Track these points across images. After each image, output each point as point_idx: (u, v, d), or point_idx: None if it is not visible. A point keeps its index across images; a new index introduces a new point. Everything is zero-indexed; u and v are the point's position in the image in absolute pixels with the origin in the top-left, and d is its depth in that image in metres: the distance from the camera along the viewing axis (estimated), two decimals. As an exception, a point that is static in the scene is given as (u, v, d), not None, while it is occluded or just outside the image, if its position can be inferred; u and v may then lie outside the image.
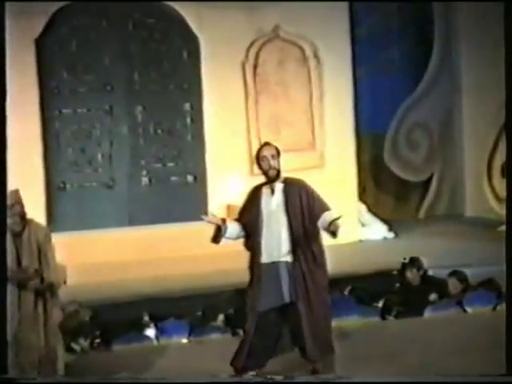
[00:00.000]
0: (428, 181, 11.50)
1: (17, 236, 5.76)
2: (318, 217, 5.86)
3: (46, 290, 5.78)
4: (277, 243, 5.84)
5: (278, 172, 5.93)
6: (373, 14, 10.93)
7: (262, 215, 5.85)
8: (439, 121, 11.43)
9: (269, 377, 5.74)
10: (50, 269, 5.79)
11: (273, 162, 5.89)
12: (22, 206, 5.76)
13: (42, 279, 5.78)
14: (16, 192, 5.77)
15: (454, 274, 7.98)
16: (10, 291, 5.66)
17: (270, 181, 5.93)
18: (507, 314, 5.49)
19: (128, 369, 6.42)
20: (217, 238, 5.88)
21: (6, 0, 5.74)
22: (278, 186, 5.92)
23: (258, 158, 5.94)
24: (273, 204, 5.89)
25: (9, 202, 5.62)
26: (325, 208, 5.91)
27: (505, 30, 5.79)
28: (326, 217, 5.84)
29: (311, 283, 5.86)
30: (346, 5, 10.26)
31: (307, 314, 5.85)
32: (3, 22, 5.69)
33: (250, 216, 5.89)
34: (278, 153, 5.96)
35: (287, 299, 5.86)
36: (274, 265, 5.85)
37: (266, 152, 5.92)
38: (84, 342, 6.96)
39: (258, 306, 5.82)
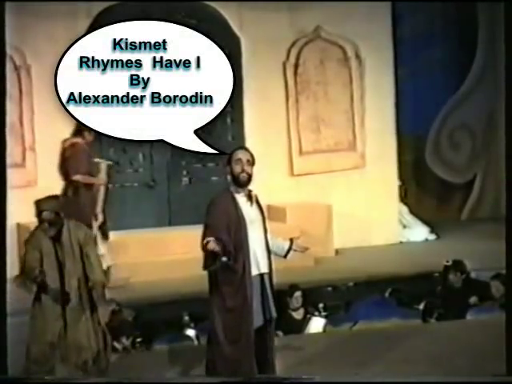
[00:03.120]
0: (471, 182, 11.39)
1: (55, 240, 5.82)
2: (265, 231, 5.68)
3: (92, 290, 5.82)
4: (261, 255, 5.60)
5: (250, 178, 5.60)
6: (416, 13, 10.84)
7: (247, 226, 5.56)
8: (482, 121, 11.31)
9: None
10: (93, 268, 5.84)
11: (247, 167, 5.58)
12: (51, 212, 5.79)
13: (87, 279, 5.82)
14: (43, 200, 5.84)
15: (498, 276, 7.89)
16: (53, 294, 5.74)
17: (240, 186, 5.59)
18: (507, 314, 5.43)
19: (168, 368, 6.45)
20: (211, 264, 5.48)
21: (6, 0, 5.78)
22: (253, 195, 5.65)
23: (231, 161, 5.61)
24: (253, 213, 5.62)
25: (36, 210, 5.76)
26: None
27: (505, 29, 5.73)
28: (272, 235, 5.70)
29: None
30: (388, 5, 10.20)
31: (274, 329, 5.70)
32: (3, 22, 5.72)
33: (232, 225, 5.54)
34: (253, 161, 5.65)
35: (274, 314, 5.62)
36: (261, 277, 5.61)
37: (242, 155, 5.60)
38: (126, 341, 7.00)
39: (253, 322, 5.53)
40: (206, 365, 5.70)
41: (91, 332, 5.83)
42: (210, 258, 5.46)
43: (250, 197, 5.64)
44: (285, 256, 5.75)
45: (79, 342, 5.81)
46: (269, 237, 5.71)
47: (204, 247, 5.48)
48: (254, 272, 5.58)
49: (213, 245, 5.39)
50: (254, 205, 5.65)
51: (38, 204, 5.84)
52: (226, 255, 5.43)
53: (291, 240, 5.74)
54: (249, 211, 5.62)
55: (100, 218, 8.09)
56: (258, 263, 5.60)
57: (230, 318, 5.55)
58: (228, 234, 5.49)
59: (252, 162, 5.64)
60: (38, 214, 5.82)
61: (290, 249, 5.72)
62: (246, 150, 5.74)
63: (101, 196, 8.09)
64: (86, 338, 5.82)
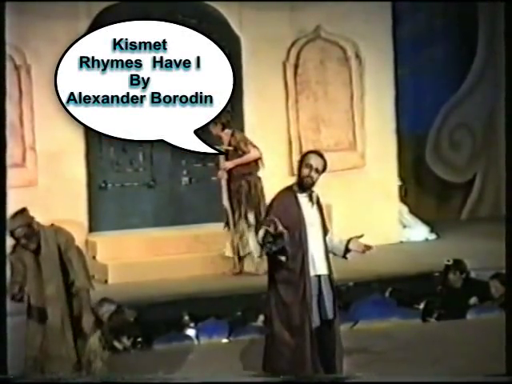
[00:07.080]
0: (471, 181, 11.39)
1: (37, 252, 5.73)
2: (325, 233, 5.76)
3: (75, 296, 5.76)
4: (318, 256, 5.67)
5: (313, 184, 5.71)
6: (416, 13, 10.85)
7: (306, 227, 5.65)
8: (483, 121, 11.31)
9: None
10: (76, 274, 5.74)
11: (313, 174, 5.67)
12: (23, 228, 5.68)
13: (70, 286, 5.76)
14: (11, 219, 5.73)
15: (497, 276, 7.89)
16: (31, 305, 5.70)
17: (302, 189, 5.70)
18: (507, 314, 5.43)
19: (168, 368, 6.45)
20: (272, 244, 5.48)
21: (6, 0, 5.79)
22: (314, 196, 5.74)
23: (302, 162, 5.71)
24: (313, 215, 5.70)
25: (8, 228, 5.67)
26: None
27: (505, 29, 5.74)
28: (332, 236, 5.76)
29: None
30: (388, 4, 10.20)
31: (338, 331, 5.74)
32: (3, 22, 5.73)
33: (291, 225, 5.59)
34: (324, 168, 5.72)
35: (330, 315, 5.70)
36: (318, 278, 5.69)
37: (313, 162, 5.68)
38: (126, 341, 7.01)
39: (310, 322, 5.61)
40: (262, 360, 5.73)
41: (70, 341, 5.74)
42: (269, 237, 5.47)
43: (311, 197, 5.71)
44: (344, 256, 5.76)
45: (57, 353, 5.72)
46: (328, 237, 5.75)
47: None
48: (311, 273, 5.64)
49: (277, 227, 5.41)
50: (315, 206, 5.71)
51: (9, 223, 5.70)
52: (284, 254, 5.48)
53: (348, 240, 5.75)
54: (309, 213, 5.69)
55: (243, 208, 8.31)
56: (315, 265, 5.65)
57: (287, 313, 5.62)
58: (287, 233, 5.53)
59: (322, 170, 5.68)
60: (11, 233, 5.68)
61: (347, 249, 5.74)
62: (321, 157, 5.74)
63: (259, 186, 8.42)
64: (65, 349, 5.73)
